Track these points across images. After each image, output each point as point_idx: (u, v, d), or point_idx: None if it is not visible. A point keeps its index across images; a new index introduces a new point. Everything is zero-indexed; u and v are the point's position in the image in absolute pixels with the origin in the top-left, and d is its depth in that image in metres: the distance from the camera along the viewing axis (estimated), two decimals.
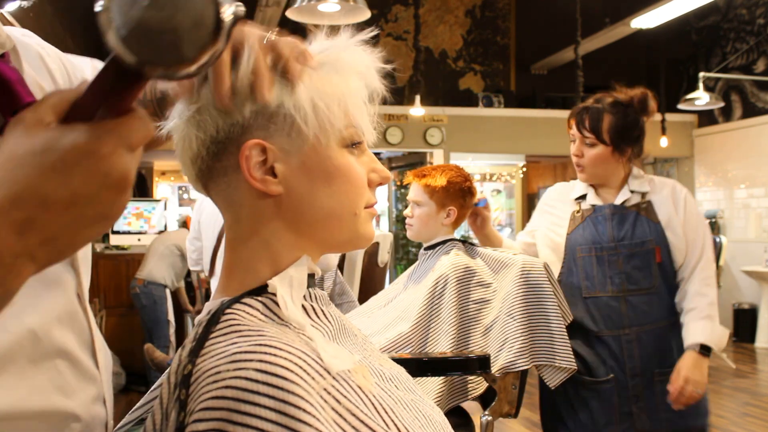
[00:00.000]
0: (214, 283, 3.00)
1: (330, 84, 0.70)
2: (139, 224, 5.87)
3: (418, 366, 1.65)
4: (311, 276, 0.75)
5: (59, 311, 0.69)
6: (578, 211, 2.09)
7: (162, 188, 10.99)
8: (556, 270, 2.06)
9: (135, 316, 4.94)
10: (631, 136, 1.99)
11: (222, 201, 0.72)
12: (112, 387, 0.77)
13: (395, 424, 0.65)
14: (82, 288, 0.74)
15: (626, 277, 1.98)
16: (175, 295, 4.97)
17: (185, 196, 11.21)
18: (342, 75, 0.71)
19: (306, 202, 0.71)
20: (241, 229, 0.72)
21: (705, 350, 1.91)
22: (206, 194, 0.73)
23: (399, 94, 7.94)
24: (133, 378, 5.03)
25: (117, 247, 5.76)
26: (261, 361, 0.58)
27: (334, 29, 0.73)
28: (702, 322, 1.92)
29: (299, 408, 0.57)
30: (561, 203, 2.15)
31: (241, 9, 0.46)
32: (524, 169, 10.48)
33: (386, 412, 0.66)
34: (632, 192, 2.04)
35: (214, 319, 0.65)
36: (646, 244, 1.98)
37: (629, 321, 1.97)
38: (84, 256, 0.78)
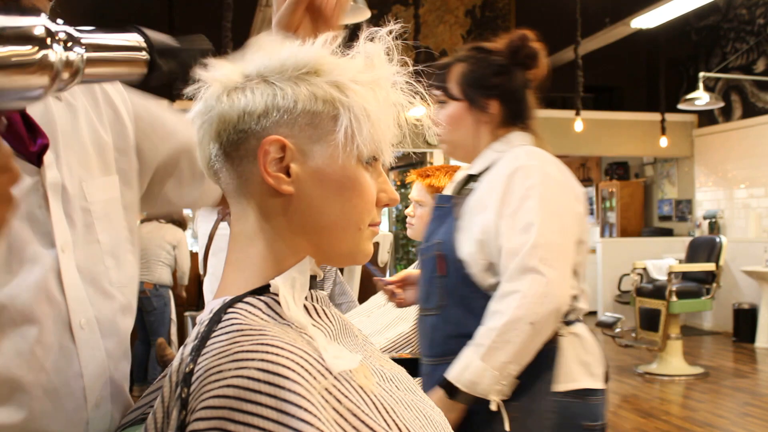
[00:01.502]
0: (207, 282, 3.00)
1: (367, 99, 0.70)
2: None
3: (419, 366, 1.64)
4: (313, 278, 0.75)
5: (30, 285, 0.71)
6: None
7: None
8: None
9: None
10: (491, 85, 1.47)
11: (231, 191, 0.73)
12: (96, 364, 0.77)
13: (396, 425, 0.65)
14: (64, 267, 0.75)
15: (420, 292, 1.50)
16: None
17: None
18: (380, 93, 0.71)
19: (314, 206, 0.71)
20: (247, 222, 0.72)
21: (451, 390, 1.31)
22: (215, 181, 0.74)
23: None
24: (132, 376, 5.03)
25: None
26: (263, 360, 0.58)
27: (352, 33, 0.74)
28: (466, 352, 1.32)
29: (300, 407, 0.57)
30: None
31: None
32: None
33: (387, 413, 0.66)
34: (471, 176, 1.49)
35: (217, 317, 0.65)
36: (431, 249, 1.46)
37: (421, 348, 1.49)
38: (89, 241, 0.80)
